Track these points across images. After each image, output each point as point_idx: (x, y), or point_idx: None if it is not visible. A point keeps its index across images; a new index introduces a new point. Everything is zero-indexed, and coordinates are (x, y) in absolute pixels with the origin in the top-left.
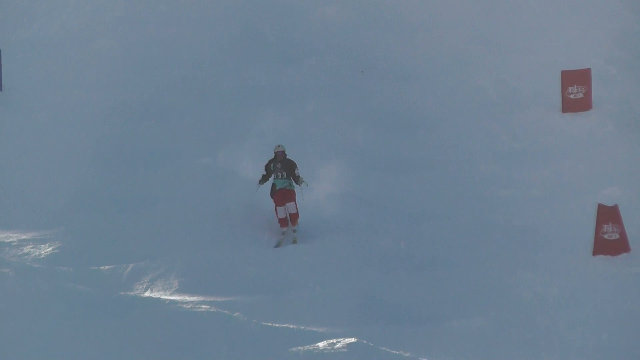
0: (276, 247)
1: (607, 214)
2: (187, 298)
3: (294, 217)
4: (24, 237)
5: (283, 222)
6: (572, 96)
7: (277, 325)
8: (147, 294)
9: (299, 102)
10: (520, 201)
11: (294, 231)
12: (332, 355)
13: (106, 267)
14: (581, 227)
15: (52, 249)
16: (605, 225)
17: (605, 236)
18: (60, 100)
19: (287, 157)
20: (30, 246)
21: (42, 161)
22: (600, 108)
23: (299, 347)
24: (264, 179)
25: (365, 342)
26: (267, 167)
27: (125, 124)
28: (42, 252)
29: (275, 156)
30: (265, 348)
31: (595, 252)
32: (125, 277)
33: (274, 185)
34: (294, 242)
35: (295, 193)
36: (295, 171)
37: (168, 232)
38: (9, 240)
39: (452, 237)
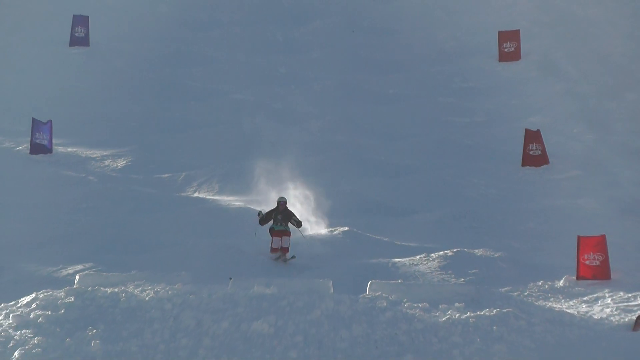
0: (275, 259)
1: (532, 136)
2: (224, 197)
3: (285, 250)
4: (105, 153)
5: (275, 250)
6: (506, 50)
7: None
8: (195, 194)
9: (307, 52)
10: (469, 125)
11: (284, 260)
12: (331, 239)
13: (165, 175)
14: (513, 145)
15: (126, 162)
16: (530, 145)
17: (530, 152)
18: (132, 50)
19: (287, 207)
20: (110, 160)
21: (118, 95)
22: (527, 58)
23: (307, 233)
24: (262, 221)
25: (355, 230)
26: (268, 214)
27: (179, 68)
28: (118, 164)
29: (277, 206)
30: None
31: (523, 164)
32: (179, 182)
33: (272, 228)
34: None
35: (290, 233)
36: (293, 219)
37: (210, 149)
38: (94, 155)
39: (418, 151)
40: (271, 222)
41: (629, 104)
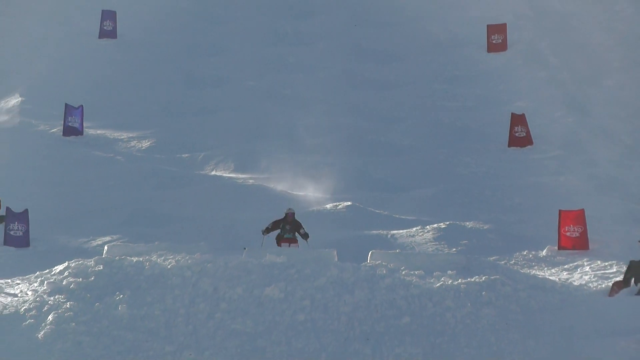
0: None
1: (517, 120)
2: (240, 175)
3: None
4: (130, 135)
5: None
6: (494, 41)
7: (299, 193)
8: (213, 172)
9: (313, 43)
10: (460, 109)
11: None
12: (336, 213)
13: (186, 154)
14: (501, 127)
15: (150, 143)
16: (516, 127)
17: (516, 134)
18: (155, 42)
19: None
20: (135, 141)
21: (143, 82)
22: (513, 48)
23: (314, 208)
24: (267, 231)
25: (357, 204)
26: (275, 223)
27: (197, 58)
28: (143, 145)
29: (285, 217)
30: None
31: (509, 145)
32: (198, 161)
33: (280, 235)
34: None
35: (298, 242)
36: (301, 230)
37: (226, 131)
38: (121, 137)
39: (415, 133)
40: (278, 230)
41: (606, 89)
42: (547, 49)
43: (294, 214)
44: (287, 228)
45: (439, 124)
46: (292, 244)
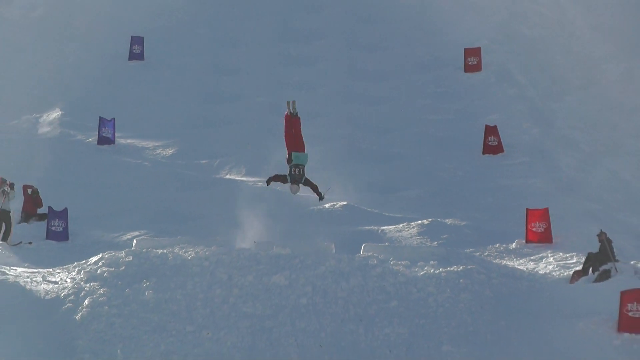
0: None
1: (490, 130)
2: (250, 178)
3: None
4: (156, 144)
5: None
6: (470, 62)
7: (302, 194)
8: (227, 176)
9: (314, 64)
10: (442, 121)
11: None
12: (333, 212)
13: (204, 160)
14: (476, 137)
15: (172, 151)
16: (489, 137)
17: (489, 143)
18: (178, 63)
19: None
20: (160, 149)
21: (167, 98)
22: (487, 69)
23: (314, 207)
24: (270, 181)
25: (352, 204)
26: (281, 176)
27: (214, 77)
28: (167, 152)
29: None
30: (292, 208)
31: (484, 152)
32: (214, 166)
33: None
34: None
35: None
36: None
37: (239, 140)
38: (148, 145)
39: (402, 142)
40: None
41: (567, 104)
42: (516, 69)
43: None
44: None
45: (422, 135)
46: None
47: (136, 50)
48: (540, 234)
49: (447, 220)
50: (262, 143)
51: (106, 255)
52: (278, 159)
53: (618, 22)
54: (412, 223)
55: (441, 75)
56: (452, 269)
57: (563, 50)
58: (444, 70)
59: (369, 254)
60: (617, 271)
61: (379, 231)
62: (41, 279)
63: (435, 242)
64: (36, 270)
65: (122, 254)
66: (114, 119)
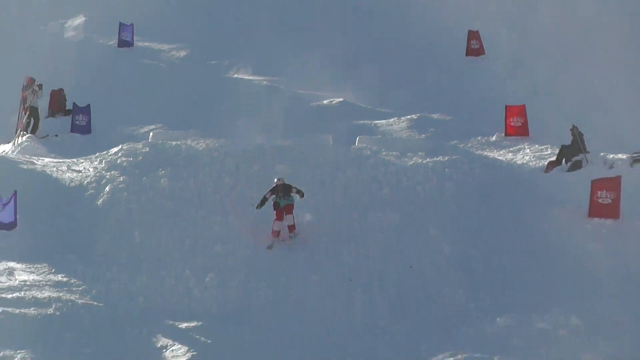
0: (268, 248)
1: (473, 35)
2: (256, 77)
3: (291, 228)
4: (171, 46)
5: (275, 233)
6: (473, 46)
7: (302, 92)
8: (235, 75)
9: (319, 29)
10: (424, 33)
11: (290, 237)
12: (331, 107)
13: (214, 61)
14: (460, 43)
15: (186, 52)
16: (472, 41)
17: (472, 46)
18: (164, 49)
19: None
20: (175, 51)
21: (182, 7)
22: (491, 54)
23: (314, 103)
24: (262, 204)
25: (348, 100)
26: (268, 193)
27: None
28: (181, 54)
29: (276, 187)
30: (294, 104)
31: (467, 55)
32: (225, 66)
33: (277, 203)
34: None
35: (293, 206)
36: (293, 190)
37: (245, 43)
38: (163, 48)
39: (391, 52)
40: (273, 197)
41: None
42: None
43: (283, 183)
44: (281, 195)
45: (410, 46)
46: (287, 215)
47: (125, 37)
48: (517, 127)
49: (433, 115)
50: (267, 46)
51: (125, 147)
52: (283, 59)
53: None
54: (402, 118)
55: (442, 62)
56: (438, 159)
57: (561, 32)
58: (444, 57)
59: (363, 145)
60: (587, 162)
61: (372, 125)
62: (66, 168)
63: (423, 135)
64: (62, 160)
65: (140, 145)
66: (133, 24)
